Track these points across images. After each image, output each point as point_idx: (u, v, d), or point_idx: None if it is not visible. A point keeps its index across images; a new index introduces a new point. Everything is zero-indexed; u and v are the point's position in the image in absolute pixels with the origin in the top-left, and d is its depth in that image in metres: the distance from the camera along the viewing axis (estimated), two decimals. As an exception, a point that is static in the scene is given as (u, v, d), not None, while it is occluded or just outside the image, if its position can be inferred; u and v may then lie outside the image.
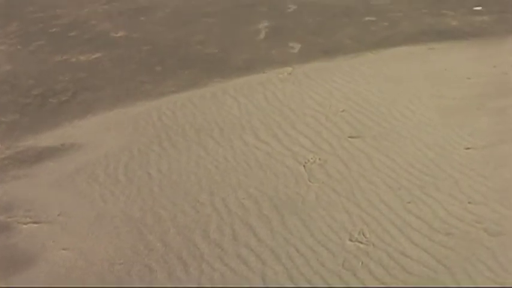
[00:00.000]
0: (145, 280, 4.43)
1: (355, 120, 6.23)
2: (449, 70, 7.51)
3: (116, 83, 7.50)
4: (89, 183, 5.53)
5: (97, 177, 5.58)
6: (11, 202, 5.39)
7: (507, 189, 5.08)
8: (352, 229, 4.70)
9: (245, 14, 9.80)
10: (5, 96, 7.34)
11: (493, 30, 8.96)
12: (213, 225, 4.83)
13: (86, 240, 4.84)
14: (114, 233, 4.89)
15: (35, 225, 5.08)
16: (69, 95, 7.24)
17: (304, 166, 5.49)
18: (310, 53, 8.10)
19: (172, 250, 4.64)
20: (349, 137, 5.92)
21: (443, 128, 6.07)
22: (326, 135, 5.96)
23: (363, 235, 4.63)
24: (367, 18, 9.44)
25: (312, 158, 5.60)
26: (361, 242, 4.57)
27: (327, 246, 4.56)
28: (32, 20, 10.07)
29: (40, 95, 7.29)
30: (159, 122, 6.43)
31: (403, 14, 9.68)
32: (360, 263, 4.40)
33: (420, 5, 10.10)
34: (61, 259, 4.70)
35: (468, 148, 5.69)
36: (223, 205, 5.01)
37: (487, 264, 4.36)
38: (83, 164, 5.81)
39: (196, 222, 4.87)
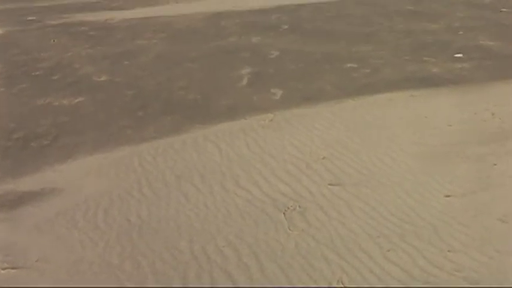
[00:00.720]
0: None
1: (336, 168, 6.23)
2: (430, 117, 7.56)
3: (98, 127, 7.47)
4: (68, 228, 5.48)
5: (76, 223, 5.53)
6: (-11, 247, 5.33)
7: (487, 237, 5.08)
8: (331, 277, 4.67)
9: (228, 59, 9.88)
10: (-14, 139, 7.30)
11: (474, 77, 9.06)
12: (192, 273, 4.78)
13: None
14: (92, 280, 4.84)
15: (13, 270, 5.02)
16: (51, 139, 7.20)
17: (284, 214, 5.47)
18: (292, 99, 8.14)
19: (151, 298, 4.61)
20: (329, 184, 5.92)
21: (423, 175, 6.08)
22: (306, 183, 5.95)
23: (342, 283, 4.60)
24: (348, 65, 9.53)
25: (292, 206, 5.58)
26: (340, 291, 4.55)
27: (306, 295, 4.53)
28: (15, 62, 10.09)
29: (21, 138, 7.24)
30: (139, 167, 6.40)
31: (385, 60, 9.78)
32: (339, 312, 4.38)
33: (402, 52, 10.22)
34: (38, 306, 4.64)
35: (448, 196, 5.70)
36: (203, 252, 4.98)
37: (466, 313, 4.35)
38: (62, 209, 5.76)
39: (175, 270, 4.83)
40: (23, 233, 5.47)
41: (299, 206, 5.57)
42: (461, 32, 11.68)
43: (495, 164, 6.30)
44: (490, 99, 8.16)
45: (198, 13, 13.39)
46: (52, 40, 11.44)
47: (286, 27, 12.00)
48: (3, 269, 5.04)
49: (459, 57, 10.02)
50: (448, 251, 4.89)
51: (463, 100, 8.17)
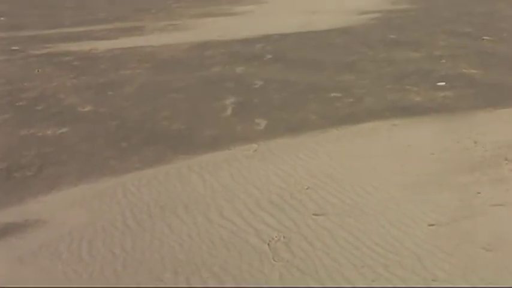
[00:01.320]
0: None
1: (320, 197, 6.25)
2: (412, 146, 7.60)
3: (82, 158, 7.46)
4: (52, 260, 5.44)
5: (60, 255, 5.50)
6: (-28, 280, 5.29)
7: (471, 266, 5.10)
8: (316, 308, 4.68)
9: (212, 89, 9.92)
10: (-31, 170, 7.27)
11: (456, 106, 9.14)
12: (177, 305, 4.78)
13: (47, 321, 4.76)
14: (76, 312, 4.82)
15: (-4, 304, 4.99)
16: (35, 170, 7.17)
17: (268, 244, 5.46)
18: (276, 129, 8.17)
19: (135, 331, 4.59)
20: (314, 214, 5.93)
21: (406, 204, 6.10)
22: (291, 213, 5.96)
23: (327, 314, 4.61)
24: (332, 95, 9.59)
25: (276, 236, 5.58)
26: (324, 322, 4.55)
27: (291, 327, 4.53)
28: (-1, 93, 10.10)
29: (5, 169, 7.21)
30: (123, 198, 6.39)
31: (368, 90, 9.85)
32: None
33: (384, 81, 10.30)
34: None
35: (431, 224, 5.72)
36: (187, 284, 4.96)
37: None
38: (46, 241, 5.73)
39: (160, 302, 4.83)
40: (6, 265, 5.43)
41: (283, 237, 5.57)
42: (443, 61, 11.79)
43: (478, 193, 6.34)
44: (472, 128, 8.22)
45: (182, 43, 13.43)
46: (36, 70, 11.45)
47: (270, 56, 12.07)
48: (-14, 302, 5.00)
49: (441, 86, 10.10)
50: (433, 280, 4.91)
51: (445, 129, 8.23)
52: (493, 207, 6.04)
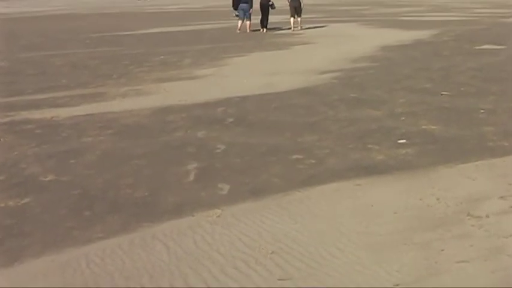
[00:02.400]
0: None
1: (285, 262, 6.23)
2: (376, 205, 7.66)
3: (45, 229, 7.37)
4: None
5: (22, 331, 5.42)
6: None
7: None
8: None
9: (174, 155, 9.93)
10: None
11: (418, 163, 9.26)
12: None
13: None
14: None
15: None
16: (-4, 243, 7.08)
17: (234, 311, 5.44)
18: (239, 194, 8.18)
19: None
20: (279, 279, 5.90)
21: (371, 265, 6.12)
22: (256, 279, 5.93)
23: None
24: (294, 156, 9.65)
25: (242, 303, 5.56)
26: None
27: None
28: (-41, 165, 9.98)
29: (-35, 242, 7.11)
30: (87, 269, 6.31)
31: (330, 150, 9.93)
32: None
33: (346, 141, 10.40)
34: None
35: (397, 285, 5.73)
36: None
37: None
38: (7, 316, 5.65)
39: None
40: None
41: (249, 304, 5.54)
42: (403, 118, 11.96)
43: (442, 250, 6.39)
44: (435, 184, 8.32)
45: (144, 108, 13.46)
46: (-2, 140, 11.38)
47: (231, 120, 12.13)
48: None
49: (403, 143, 10.23)
50: None
51: (408, 186, 8.32)
52: (458, 264, 6.08)
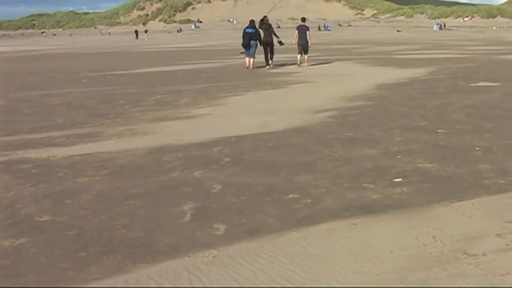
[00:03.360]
0: None
1: (280, 303, 6.22)
2: (371, 245, 7.64)
3: (40, 270, 7.34)
4: None
5: None
6: None
7: None
8: None
9: (170, 195, 9.92)
10: None
11: (414, 201, 9.26)
12: None
13: None
14: None
15: None
16: (-10, 285, 7.05)
17: None
18: (235, 234, 8.17)
19: None
20: (275, 320, 5.89)
21: (368, 305, 6.11)
22: (251, 320, 5.92)
23: None
24: (290, 196, 9.65)
25: None
26: None
27: None
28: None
29: (-42, 284, 7.08)
30: (82, 311, 6.30)
31: (326, 189, 9.94)
32: None
33: (342, 180, 10.41)
34: None
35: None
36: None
37: None
38: None
39: None
40: None
41: None
42: (399, 156, 11.98)
43: (438, 289, 6.39)
44: (430, 223, 8.33)
45: (140, 148, 13.47)
46: (-6, 180, 11.37)
47: (227, 159, 12.13)
48: None
49: (398, 182, 10.24)
50: None
51: (404, 225, 8.31)
52: (454, 303, 6.08)
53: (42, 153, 13.38)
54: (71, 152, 13.45)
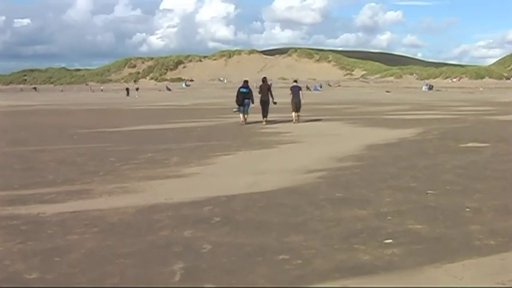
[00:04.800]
0: None
1: None
2: (361, 309, 7.63)
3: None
4: None
5: None
6: None
7: None
8: None
9: (160, 255, 9.86)
10: None
11: (404, 263, 9.25)
12: None
13: None
14: None
15: None
16: None
17: None
18: (225, 294, 8.14)
19: None
20: None
21: None
22: None
23: None
24: (280, 257, 9.62)
25: None
26: None
27: None
28: None
29: None
30: None
31: (316, 250, 9.91)
32: None
33: (332, 241, 10.40)
34: None
35: None
36: None
37: None
38: None
39: None
40: None
41: None
42: (389, 217, 12.00)
43: None
44: (421, 284, 8.40)
45: (130, 206, 13.43)
46: (-17, 236, 11.30)
47: (218, 219, 12.10)
48: None
49: (389, 243, 10.23)
50: None
51: (395, 287, 8.29)
52: None
53: (32, 209, 13.33)
54: (61, 209, 13.40)
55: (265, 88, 37.75)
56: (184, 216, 12.45)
